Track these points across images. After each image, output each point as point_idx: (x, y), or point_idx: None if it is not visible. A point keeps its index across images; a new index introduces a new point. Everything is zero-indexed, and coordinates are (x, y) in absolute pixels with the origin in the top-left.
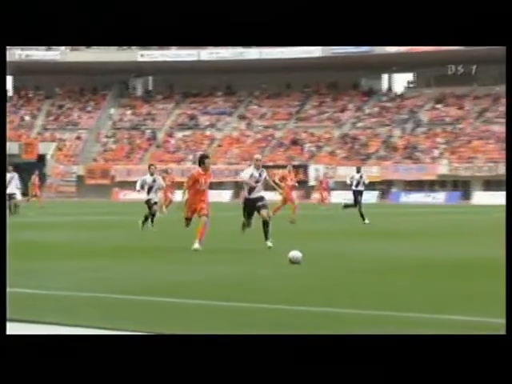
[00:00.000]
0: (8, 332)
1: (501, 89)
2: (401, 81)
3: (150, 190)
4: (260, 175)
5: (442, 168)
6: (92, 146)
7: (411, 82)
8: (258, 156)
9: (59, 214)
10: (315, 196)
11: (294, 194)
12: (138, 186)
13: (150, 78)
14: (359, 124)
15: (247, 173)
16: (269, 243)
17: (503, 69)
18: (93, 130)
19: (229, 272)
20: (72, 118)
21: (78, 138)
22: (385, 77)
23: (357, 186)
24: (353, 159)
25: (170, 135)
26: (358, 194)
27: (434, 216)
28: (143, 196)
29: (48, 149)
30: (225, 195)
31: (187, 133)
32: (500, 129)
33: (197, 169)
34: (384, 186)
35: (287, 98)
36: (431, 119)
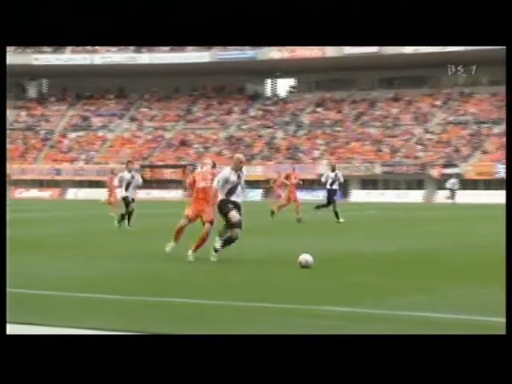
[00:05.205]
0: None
1: (377, 94)
2: (284, 85)
3: (127, 187)
4: (239, 178)
5: (322, 168)
6: None
7: (293, 87)
8: (241, 157)
9: None
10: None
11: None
12: (116, 182)
13: (45, 81)
14: (244, 126)
15: (219, 179)
16: (213, 257)
17: (381, 75)
18: None
19: (131, 268)
20: None
21: None
22: (269, 81)
23: (332, 184)
24: None
25: (64, 136)
26: (332, 193)
27: (314, 212)
28: (121, 193)
29: None
30: (117, 194)
31: (80, 133)
32: (376, 131)
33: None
34: (268, 185)
35: (176, 100)
36: (312, 122)
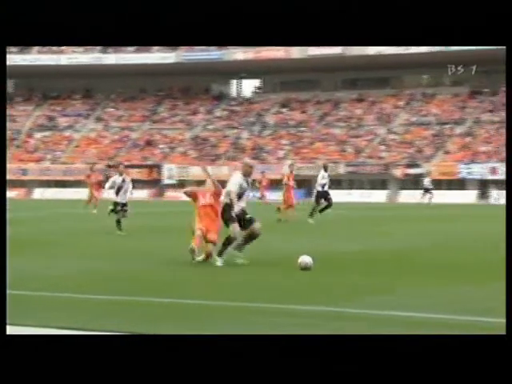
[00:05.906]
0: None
1: (341, 94)
2: (249, 86)
3: (118, 191)
4: (247, 183)
5: (287, 168)
6: None
7: (258, 88)
8: (250, 162)
9: None
10: (256, 195)
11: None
12: (107, 186)
13: (11, 81)
14: (210, 126)
15: (236, 184)
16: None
17: (345, 76)
18: None
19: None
20: None
21: None
22: (234, 82)
23: (323, 186)
24: (203, 159)
25: (30, 136)
26: (325, 195)
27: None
28: (112, 197)
29: None
30: (84, 193)
31: (46, 133)
32: (340, 132)
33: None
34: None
35: (142, 101)
36: (277, 122)
